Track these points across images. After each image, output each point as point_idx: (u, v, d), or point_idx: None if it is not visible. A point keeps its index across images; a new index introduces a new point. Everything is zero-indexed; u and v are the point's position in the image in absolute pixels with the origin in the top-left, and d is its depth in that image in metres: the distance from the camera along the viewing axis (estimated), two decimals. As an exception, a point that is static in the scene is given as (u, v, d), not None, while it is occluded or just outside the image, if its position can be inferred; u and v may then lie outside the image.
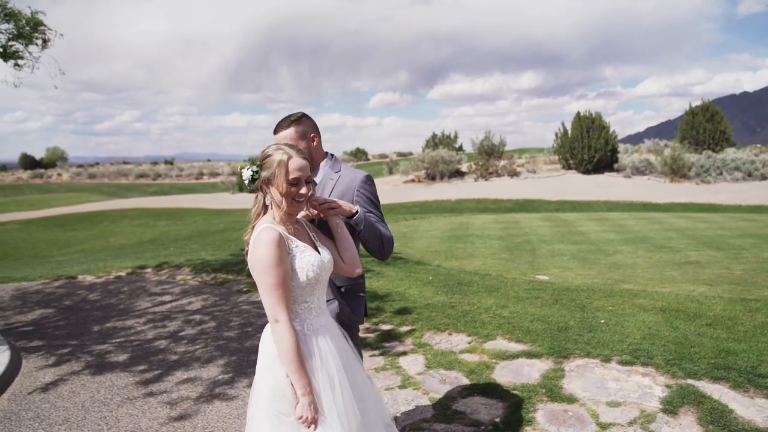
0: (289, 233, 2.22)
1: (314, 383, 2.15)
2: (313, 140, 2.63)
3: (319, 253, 2.30)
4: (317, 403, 2.12)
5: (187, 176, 66.30)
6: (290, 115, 2.64)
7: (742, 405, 3.67)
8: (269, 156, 2.21)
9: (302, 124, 2.61)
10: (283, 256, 2.12)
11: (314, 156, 2.62)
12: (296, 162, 2.19)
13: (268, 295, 2.11)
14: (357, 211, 2.47)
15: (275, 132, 2.64)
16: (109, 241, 18.76)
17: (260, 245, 2.12)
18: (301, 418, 2.09)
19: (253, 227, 2.25)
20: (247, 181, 2.28)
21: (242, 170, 2.28)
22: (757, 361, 4.25)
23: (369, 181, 2.69)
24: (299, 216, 2.41)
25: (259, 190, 2.27)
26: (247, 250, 2.24)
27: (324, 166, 2.73)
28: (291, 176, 2.17)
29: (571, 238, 12.21)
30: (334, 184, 2.65)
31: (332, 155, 2.75)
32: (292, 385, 2.13)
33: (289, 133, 2.59)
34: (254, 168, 2.24)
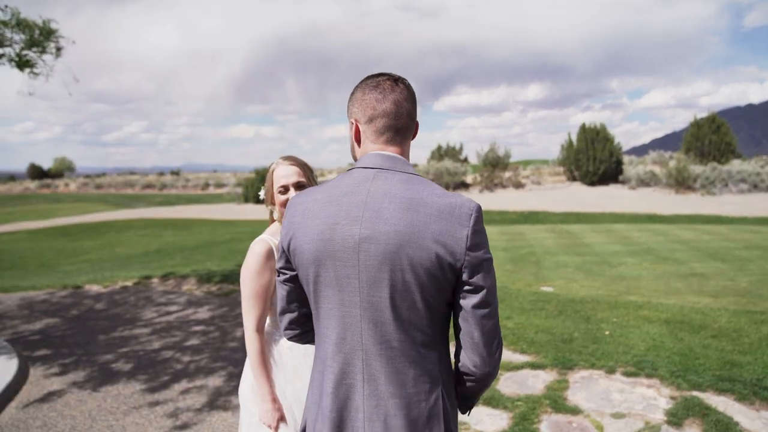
0: None
1: (277, 392, 2.22)
2: (351, 126, 1.65)
3: None
4: (282, 411, 2.19)
5: (194, 187, 66.61)
6: (367, 77, 1.64)
7: (747, 417, 3.66)
8: (268, 169, 2.37)
9: (352, 96, 1.64)
10: (266, 270, 2.19)
11: (354, 152, 1.69)
12: (281, 170, 2.29)
13: (243, 304, 2.24)
14: None
15: None
16: (116, 251, 18.84)
17: (248, 255, 2.23)
18: (263, 422, 2.18)
19: None
20: (261, 199, 2.46)
21: (259, 192, 2.50)
22: (762, 374, 4.24)
23: None
24: None
25: (268, 204, 2.40)
26: None
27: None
28: (277, 185, 2.27)
29: (575, 249, 12.20)
30: None
31: (369, 155, 1.59)
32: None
33: None
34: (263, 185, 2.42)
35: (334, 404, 1.52)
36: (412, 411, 1.48)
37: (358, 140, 1.63)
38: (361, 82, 1.63)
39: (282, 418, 2.17)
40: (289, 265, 1.62)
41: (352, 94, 1.64)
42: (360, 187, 1.52)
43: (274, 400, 2.18)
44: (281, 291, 1.68)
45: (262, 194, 2.45)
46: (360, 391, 1.51)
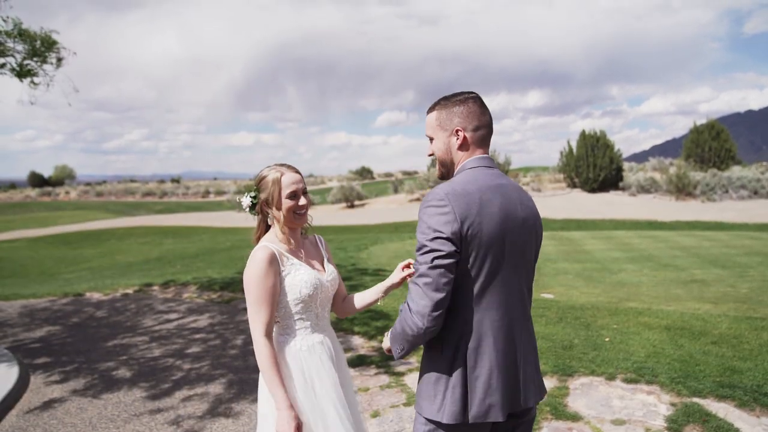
0: (291, 250, 2.30)
1: (295, 398, 2.20)
2: (456, 134, 1.97)
3: (324, 271, 2.37)
4: (298, 416, 2.15)
5: (194, 194, 66.72)
6: (451, 95, 2.03)
7: (748, 424, 3.66)
8: (264, 177, 2.31)
9: (449, 109, 1.99)
10: (270, 274, 2.19)
11: (453, 156, 2.02)
12: (289, 177, 2.28)
13: (249, 310, 2.23)
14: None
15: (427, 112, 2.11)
16: (116, 258, 18.86)
17: (251, 262, 2.21)
18: (279, 431, 2.11)
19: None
20: (247, 208, 2.37)
21: (241, 199, 2.38)
22: (762, 380, 4.24)
23: (427, 201, 1.89)
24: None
25: (259, 213, 2.35)
26: None
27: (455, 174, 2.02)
28: (286, 191, 2.26)
29: (576, 256, 12.21)
30: None
31: (481, 157, 1.99)
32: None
33: (430, 118, 2.05)
34: (252, 193, 2.34)
35: (506, 359, 1.90)
36: (535, 341, 2.08)
37: (462, 146, 1.98)
38: (455, 98, 1.99)
39: (299, 426, 2.12)
40: (459, 250, 1.81)
41: (445, 107, 1.99)
42: (500, 180, 1.94)
43: (291, 407, 2.13)
44: (444, 278, 1.80)
45: (246, 202, 2.36)
46: (519, 339, 1.95)
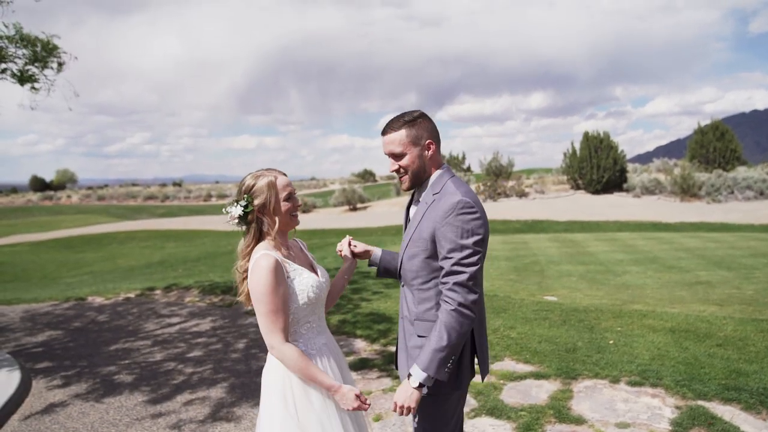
0: (285, 257, 2.28)
1: (293, 400, 2.19)
2: (429, 147, 2.23)
3: (317, 274, 2.37)
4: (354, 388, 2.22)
5: (196, 198, 66.76)
6: (404, 114, 2.24)
7: (754, 427, 3.62)
8: (255, 184, 2.23)
9: (417, 126, 2.22)
10: (280, 282, 2.15)
11: (426, 167, 2.27)
12: (282, 179, 2.28)
13: (262, 322, 2.17)
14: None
15: (384, 133, 2.26)
16: (118, 262, 18.86)
17: (258, 272, 2.14)
18: (352, 409, 2.19)
19: (249, 256, 2.25)
20: (237, 220, 2.23)
21: (228, 210, 2.23)
22: (768, 383, 4.20)
23: (459, 209, 2.11)
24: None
25: (252, 222, 2.25)
26: (243, 279, 2.29)
27: (430, 182, 2.29)
28: (283, 193, 2.26)
29: (579, 258, 12.15)
30: (424, 212, 2.23)
31: (446, 166, 2.30)
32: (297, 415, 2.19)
33: (399, 136, 2.21)
34: (243, 202, 2.22)
35: (486, 326, 2.39)
36: None
37: (432, 157, 2.25)
38: (413, 114, 2.22)
39: (359, 395, 2.20)
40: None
41: (413, 125, 2.21)
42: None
43: (341, 385, 2.20)
44: (482, 275, 2.16)
45: (238, 212, 2.22)
46: None
